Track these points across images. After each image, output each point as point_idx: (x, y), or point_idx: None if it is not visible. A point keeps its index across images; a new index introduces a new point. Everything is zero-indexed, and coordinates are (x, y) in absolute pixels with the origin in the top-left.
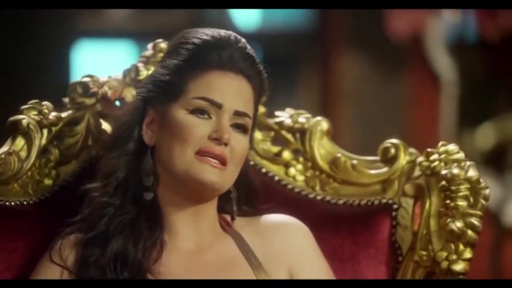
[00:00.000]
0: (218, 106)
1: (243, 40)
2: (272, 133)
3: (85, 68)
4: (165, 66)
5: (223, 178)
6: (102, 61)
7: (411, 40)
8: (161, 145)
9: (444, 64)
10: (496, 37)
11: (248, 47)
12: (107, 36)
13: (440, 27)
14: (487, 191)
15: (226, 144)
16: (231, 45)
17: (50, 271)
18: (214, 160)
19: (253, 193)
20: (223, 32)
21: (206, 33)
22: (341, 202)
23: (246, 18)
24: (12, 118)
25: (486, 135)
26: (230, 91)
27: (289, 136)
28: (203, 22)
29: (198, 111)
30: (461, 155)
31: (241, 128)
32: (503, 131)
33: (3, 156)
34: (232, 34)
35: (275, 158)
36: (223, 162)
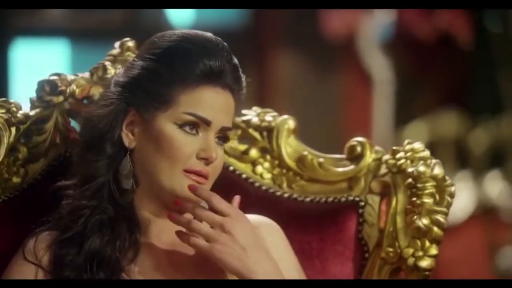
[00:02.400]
0: (208, 123)
1: (227, 46)
2: (239, 131)
3: (20, 67)
4: (154, 73)
5: None
6: (38, 60)
7: (345, 39)
8: (144, 152)
9: (377, 63)
10: (430, 37)
11: (233, 57)
12: (42, 34)
13: (374, 27)
14: (452, 189)
15: (211, 162)
16: (221, 56)
17: (25, 270)
18: (198, 178)
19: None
20: (212, 38)
21: (193, 39)
22: (308, 199)
23: (182, 18)
24: None
25: (418, 133)
26: (219, 108)
27: (256, 134)
28: (138, 22)
29: (187, 126)
30: (426, 153)
31: (222, 139)
32: (434, 129)
33: None
34: (219, 40)
35: (243, 156)
36: (206, 178)
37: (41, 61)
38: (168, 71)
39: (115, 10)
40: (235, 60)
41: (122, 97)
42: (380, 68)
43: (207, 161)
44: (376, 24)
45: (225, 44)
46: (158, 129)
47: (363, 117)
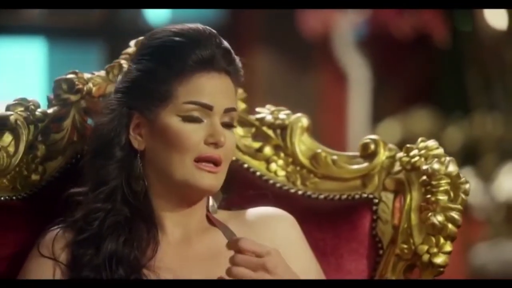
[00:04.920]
0: (209, 108)
1: (216, 33)
2: (253, 129)
3: None
4: (150, 72)
5: (218, 180)
6: (15, 59)
7: (322, 38)
8: (154, 151)
9: (353, 61)
10: (405, 35)
11: (224, 41)
12: (20, 34)
13: (349, 26)
14: (467, 186)
15: (221, 146)
16: (210, 43)
17: (43, 267)
18: (210, 165)
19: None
20: (198, 28)
21: (181, 32)
22: (322, 197)
23: (159, 18)
24: None
25: (391, 131)
26: (217, 91)
27: (270, 132)
28: (116, 21)
29: (191, 116)
30: (440, 150)
31: (229, 124)
32: (408, 126)
33: None
34: (206, 28)
35: (257, 153)
36: (218, 164)
37: (18, 60)
38: (162, 67)
39: (93, 9)
40: (226, 44)
41: (123, 102)
42: (355, 66)
43: (216, 145)
44: (351, 23)
45: (213, 30)
46: (163, 125)
47: (338, 114)
